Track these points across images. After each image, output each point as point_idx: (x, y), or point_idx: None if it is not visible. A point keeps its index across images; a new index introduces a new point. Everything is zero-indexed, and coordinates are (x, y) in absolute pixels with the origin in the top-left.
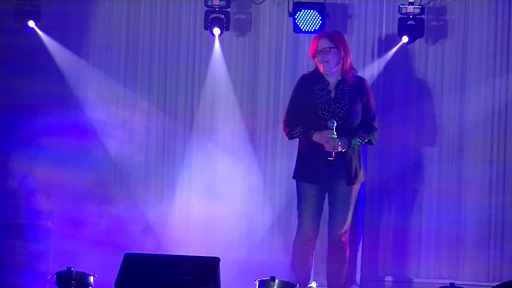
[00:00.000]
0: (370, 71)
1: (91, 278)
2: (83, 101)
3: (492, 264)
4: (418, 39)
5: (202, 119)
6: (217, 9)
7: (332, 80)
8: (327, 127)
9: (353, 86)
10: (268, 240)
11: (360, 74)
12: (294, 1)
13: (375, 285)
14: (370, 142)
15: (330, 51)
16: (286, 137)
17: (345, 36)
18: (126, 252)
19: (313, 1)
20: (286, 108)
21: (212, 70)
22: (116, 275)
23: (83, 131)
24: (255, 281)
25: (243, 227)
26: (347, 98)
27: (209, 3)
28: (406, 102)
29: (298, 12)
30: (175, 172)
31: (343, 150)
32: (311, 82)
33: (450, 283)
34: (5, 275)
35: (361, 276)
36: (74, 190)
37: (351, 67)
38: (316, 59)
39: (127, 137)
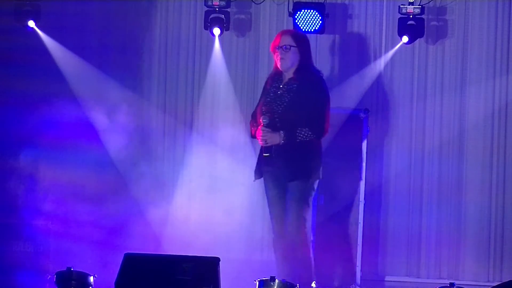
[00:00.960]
0: (370, 71)
1: (91, 278)
2: (83, 101)
3: (492, 264)
4: (418, 39)
5: (202, 119)
6: (217, 9)
7: (285, 78)
8: (266, 126)
9: (304, 84)
10: (268, 240)
11: (360, 74)
12: (294, 1)
13: (375, 285)
14: (314, 138)
15: (289, 49)
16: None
17: (345, 36)
18: (126, 252)
19: (313, 1)
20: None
21: (212, 70)
22: (116, 275)
23: (83, 131)
24: (255, 281)
25: (243, 227)
26: (291, 95)
27: (209, 3)
28: (406, 102)
29: (298, 12)
30: (175, 171)
31: (280, 143)
32: (272, 80)
33: (450, 283)
34: (5, 275)
35: (361, 276)
36: (74, 190)
37: (308, 68)
38: (275, 55)
39: (127, 137)
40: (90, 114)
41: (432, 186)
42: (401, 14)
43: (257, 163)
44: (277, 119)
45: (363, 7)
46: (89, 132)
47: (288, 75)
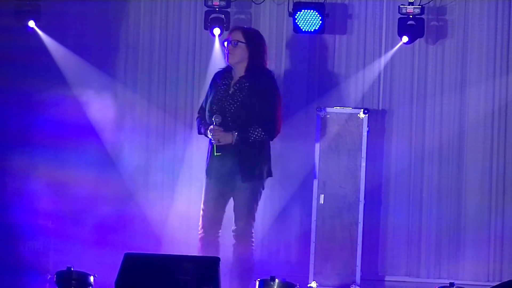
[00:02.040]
0: (370, 71)
1: (91, 278)
2: (83, 101)
3: (492, 264)
4: (418, 39)
5: None
6: (217, 9)
7: (236, 76)
8: (218, 125)
9: (255, 83)
10: (268, 240)
11: (360, 74)
12: (294, 1)
13: (375, 285)
14: (266, 138)
15: (237, 44)
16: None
17: (344, 36)
18: (126, 252)
19: (313, 1)
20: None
21: (212, 70)
22: (116, 275)
23: (83, 131)
24: (255, 281)
25: None
26: (243, 94)
27: (209, 3)
28: (406, 102)
29: (298, 12)
30: (175, 171)
31: (232, 143)
32: (220, 78)
33: (450, 283)
34: (5, 275)
35: (361, 276)
36: (74, 190)
37: (259, 66)
38: (224, 50)
39: (127, 137)
40: (90, 114)
41: (432, 186)
42: (401, 14)
43: (208, 163)
44: (229, 118)
45: (363, 7)
46: (89, 132)
47: (239, 73)
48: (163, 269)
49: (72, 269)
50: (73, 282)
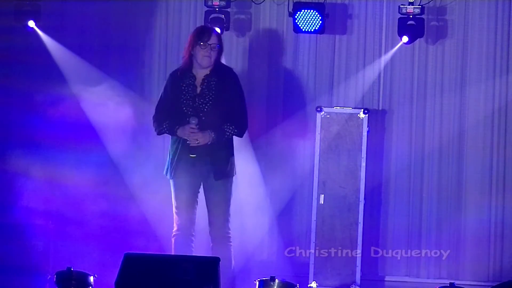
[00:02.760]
0: (370, 71)
1: (91, 278)
2: (83, 101)
3: (492, 264)
4: (418, 39)
5: None
6: (217, 9)
7: (199, 75)
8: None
9: (221, 79)
10: (268, 240)
11: (360, 74)
12: (294, 1)
13: (375, 285)
14: (237, 134)
15: (216, 48)
16: (155, 132)
17: (344, 36)
18: (126, 252)
19: (313, 1)
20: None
21: None
22: (116, 275)
23: (83, 131)
24: (255, 281)
25: (243, 227)
26: (213, 93)
27: (209, 3)
28: (406, 102)
29: (298, 12)
30: None
31: (209, 143)
32: (179, 78)
33: (450, 283)
34: (5, 275)
35: (361, 276)
36: (74, 190)
37: (220, 63)
38: (198, 51)
39: (127, 137)
40: (90, 114)
41: (432, 186)
42: (401, 14)
43: (173, 163)
44: (203, 118)
45: (363, 7)
46: (89, 132)
47: (203, 72)
48: (163, 269)
49: (72, 269)
50: (73, 282)
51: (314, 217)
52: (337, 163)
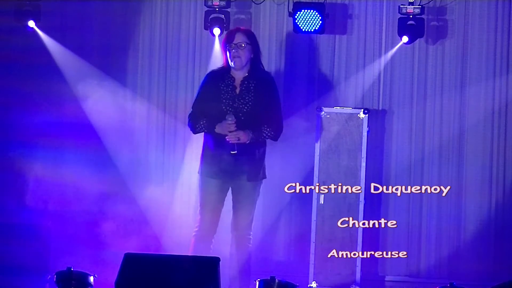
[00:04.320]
0: (370, 71)
1: (91, 278)
2: (83, 101)
3: (492, 264)
4: (418, 39)
5: None
6: (217, 9)
7: (239, 76)
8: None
9: (260, 83)
10: (268, 240)
11: (360, 74)
12: (294, 1)
13: (375, 285)
14: (273, 137)
15: (245, 47)
16: (191, 131)
17: (344, 36)
18: (126, 252)
19: (313, 1)
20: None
21: None
22: (116, 275)
23: (83, 131)
24: (255, 281)
25: None
26: (252, 94)
27: (209, 3)
28: (406, 102)
29: (298, 12)
30: (175, 171)
31: (247, 142)
32: (218, 78)
33: (450, 283)
34: (5, 275)
35: (361, 276)
36: (74, 190)
37: (260, 65)
38: (228, 53)
39: (127, 137)
40: (90, 114)
41: (432, 186)
42: (401, 14)
43: (215, 161)
44: (242, 118)
45: (363, 7)
46: (89, 132)
47: (242, 73)
48: (163, 269)
49: (72, 269)
50: (73, 282)
51: (314, 217)
52: (337, 163)
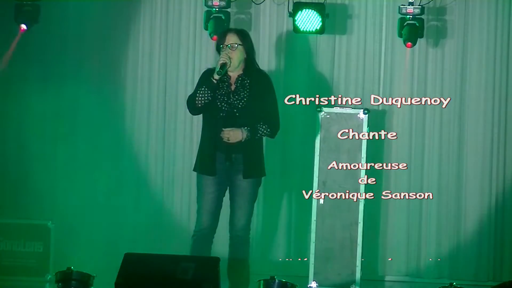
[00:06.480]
0: (370, 71)
1: (91, 278)
2: (83, 101)
3: (492, 264)
4: (418, 39)
5: None
6: (217, 9)
7: (234, 74)
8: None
9: (255, 79)
10: (267, 239)
11: (360, 74)
12: (294, 1)
13: (375, 285)
14: (270, 135)
15: (236, 47)
16: (191, 111)
17: (344, 36)
18: (126, 252)
19: (313, 1)
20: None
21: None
22: (116, 275)
23: (83, 131)
24: (255, 281)
25: None
26: (247, 91)
27: (209, 3)
28: (406, 102)
29: (298, 12)
30: (175, 171)
31: (242, 141)
32: (213, 75)
33: (450, 283)
34: (5, 275)
35: (361, 276)
36: (74, 190)
37: (254, 65)
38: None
39: (127, 137)
40: (90, 114)
41: (432, 186)
42: (401, 14)
43: (211, 159)
44: (237, 114)
45: (363, 7)
46: (89, 132)
47: (237, 72)
48: (163, 269)
49: (72, 269)
50: (73, 282)
51: (314, 217)
52: (337, 163)
